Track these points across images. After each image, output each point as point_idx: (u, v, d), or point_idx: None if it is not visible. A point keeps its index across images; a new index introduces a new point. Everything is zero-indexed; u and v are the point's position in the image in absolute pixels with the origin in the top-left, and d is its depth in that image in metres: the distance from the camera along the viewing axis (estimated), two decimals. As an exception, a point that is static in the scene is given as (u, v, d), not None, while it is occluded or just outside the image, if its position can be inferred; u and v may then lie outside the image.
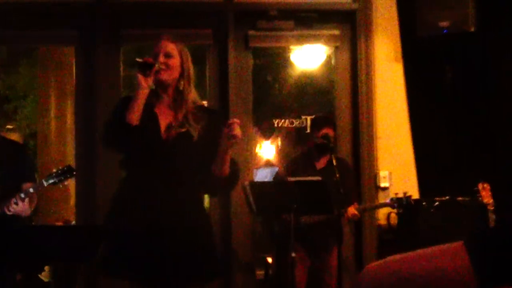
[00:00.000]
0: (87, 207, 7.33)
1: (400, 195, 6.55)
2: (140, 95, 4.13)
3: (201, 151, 4.26)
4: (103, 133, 4.31)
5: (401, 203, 6.57)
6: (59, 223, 8.19)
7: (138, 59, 4.21)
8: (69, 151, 9.77)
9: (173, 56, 4.28)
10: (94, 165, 7.28)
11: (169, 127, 4.26)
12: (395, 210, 6.93)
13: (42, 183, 5.50)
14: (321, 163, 6.76)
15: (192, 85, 4.38)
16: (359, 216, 6.60)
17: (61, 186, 5.65)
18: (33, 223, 7.01)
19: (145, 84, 4.14)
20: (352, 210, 6.47)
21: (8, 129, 11.91)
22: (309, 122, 7.78)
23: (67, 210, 9.90)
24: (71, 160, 9.08)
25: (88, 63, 7.47)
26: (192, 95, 4.36)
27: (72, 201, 9.59)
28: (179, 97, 4.31)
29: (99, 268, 4.42)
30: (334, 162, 6.23)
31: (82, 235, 4.79)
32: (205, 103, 4.49)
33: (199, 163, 4.28)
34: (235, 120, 4.19)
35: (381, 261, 1.62)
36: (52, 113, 10.27)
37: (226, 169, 4.27)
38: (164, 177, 4.20)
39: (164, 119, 4.29)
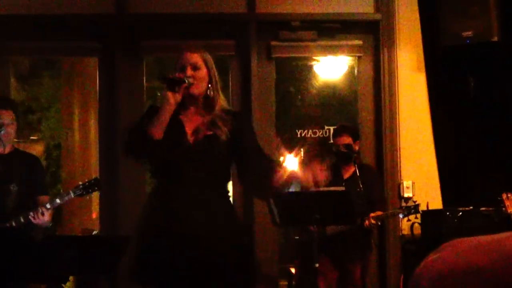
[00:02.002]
0: (110, 217, 7.37)
1: (410, 203, 6.66)
2: (166, 111, 4.09)
3: (232, 152, 4.25)
4: (125, 140, 4.24)
5: (409, 211, 6.63)
6: (86, 232, 8.23)
7: (168, 76, 4.16)
8: (93, 161, 9.82)
9: (200, 67, 4.21)
10: (117, 175, 7.33)
11: (196, 131, 4.23)
12: (418, 220, 6.92)
13: (70, 194, 5.60)
14: (347, 173, 6.78)
15: (219, 91, 4.36)
16: (376, 224, 6.62)
17: (87, 197, 5.73)
18: (56, 233, 7.06)
19: (173, 101, 4.09)
20: (369, 219, 6.49)
21: (32, 140, 12.00)
22: (332, 132, 7.78)
23: (89, 220, 9.95)
24: (94, 171, 9.13)
25: (110, 74, 7.52)
26: (221, 101, 4.34)
27: (94, 211, 9.64)
28: (207, 104, 4.28)
29: (129, 275, 4.37)
30: (357, 172, 6.25)
31: (105, 245, 4.82)
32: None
33: (230, 163, 4.28)
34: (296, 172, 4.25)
35: (443, 251, 1.52)
36: (76, 124, 10.33)
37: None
38: (195, 181, 4.16)
39: (190, 125, 4.25)
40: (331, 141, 7.43)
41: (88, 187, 5.66)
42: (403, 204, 6.81)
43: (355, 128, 7.19)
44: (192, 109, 4.28)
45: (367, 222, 6.49)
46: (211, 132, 4.21)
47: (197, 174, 4.16)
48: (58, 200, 5.60)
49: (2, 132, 5.73)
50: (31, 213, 5.47)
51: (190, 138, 4.21)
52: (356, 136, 6.85)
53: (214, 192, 4.24)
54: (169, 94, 4.09)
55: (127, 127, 4.29)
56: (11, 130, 5.83)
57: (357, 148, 6.81)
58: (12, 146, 5.97)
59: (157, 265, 4.13)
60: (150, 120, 4.14)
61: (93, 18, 7.49)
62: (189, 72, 4.18)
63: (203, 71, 4.23)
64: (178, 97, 4.11)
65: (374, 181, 6.85)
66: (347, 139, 6.73)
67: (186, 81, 4.13)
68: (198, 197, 4.16)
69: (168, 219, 4.15)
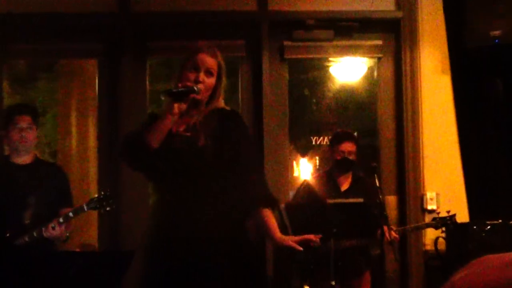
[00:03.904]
0: (111, 231, 7.34)
1: (443, 214, 6.52)
2: (169, 120, 4.06)
3: (213, 155, 4.11)
4: (122, 149, 4.20)
5: (445, 223, 6.53)
6: (85, 248, 8.23)
7: (176, 88, 4.08)
8: (91, 170, 9.79)
9: (212, 75, 4.15)
10: (117, 185, 7.29)
11: (176, 134, 4.16)
12: (441, 234, 6.85)
13: (83, 208, 5.67)
14: (345, 184, 6.74)
15: (220, 97, 4.29)
16: (398, 238, 6.57)
17: (102, 211, 5.78)
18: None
19: (177, 111, 4.04)
20: (392, 233, 6.41)
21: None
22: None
23: (88, 235, 9.92)
24: (93, 180, 9.12)
25: (112, 77, 7.52)
26: (217, 104, 4.27)
27: (94, 224, 9.61)
28: (201, 108, 4.21)
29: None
30: (377, 182, 6.19)
31: (107, 261, 4.78)
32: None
33: (215, 167, 4.16)
34: None
35: (471, 269, 1.50)
36: (73, 130, 10.31)
37: None
38: (186, 191, 4.08)
39: (175, 128, 4.19)
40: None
41: (103, 200, 5.76)
42: (435, 215, 6.68)
43: (355, 134, 7.13)
44: (185, 112, 4.19)
45: (388, 236, 6.42)
46: (188, 134, 4.14)
47: (183, 181, 4.08)
48: (71, 214, 5.68)
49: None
50: (43, 228, 5.59)
51: (173, 144, 4.13)
52: (357, 143, 6.80)
53: (206, 198, 4.12)
54: (175, 104, 4.04)
55: (125, 134, 4.24)
56: (29, 135, 5.95)
57: (355, 154, 6.74)
58: (34, 155, 6.08)
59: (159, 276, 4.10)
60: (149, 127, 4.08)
61: (94, 17, 7.48)
62: (202, 76, 4.12)
63: (213, 80, 4.17)
64: (184, 106, 4.07)
65: (374, 194, 6.76)
66: (351, 147, 6.68)
67: (196, 89, 4.06)
68: (187, 204, 4.08)
69: (164, 229, 4.13)
